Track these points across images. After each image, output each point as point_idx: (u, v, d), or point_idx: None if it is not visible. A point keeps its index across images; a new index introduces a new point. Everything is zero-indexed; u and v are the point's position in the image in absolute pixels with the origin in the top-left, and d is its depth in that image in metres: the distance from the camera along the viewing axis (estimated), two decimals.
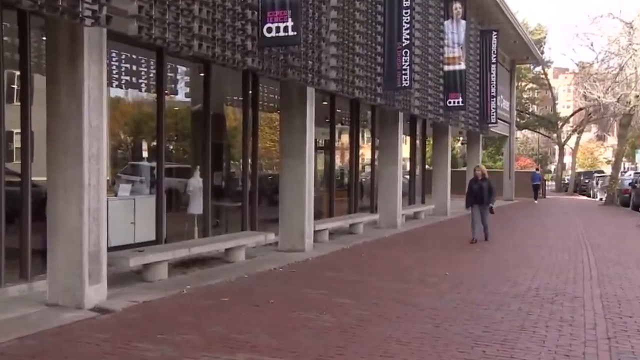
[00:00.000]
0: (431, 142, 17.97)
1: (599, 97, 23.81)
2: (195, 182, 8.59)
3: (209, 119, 8.37)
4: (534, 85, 44.77)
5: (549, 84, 41.53)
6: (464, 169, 24.50)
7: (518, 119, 35.28)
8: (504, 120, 23.71)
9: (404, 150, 14.48)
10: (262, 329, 4.62)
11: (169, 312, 5.18)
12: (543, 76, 41.56)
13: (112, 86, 7.20)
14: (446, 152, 16.55)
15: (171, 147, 8.75)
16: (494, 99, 18.64)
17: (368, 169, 14.28)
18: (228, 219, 9.68)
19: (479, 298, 5.96)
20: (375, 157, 13.65)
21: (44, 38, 5.53)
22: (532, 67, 40.25)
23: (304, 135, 8.95)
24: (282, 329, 4.64)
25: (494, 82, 18.48)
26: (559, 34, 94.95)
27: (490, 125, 19.45)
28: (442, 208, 16.48)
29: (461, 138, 30.93)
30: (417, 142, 16.57)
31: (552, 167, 56.31)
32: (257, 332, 4.53)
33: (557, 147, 42.09)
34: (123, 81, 7.47)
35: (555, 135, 38.74)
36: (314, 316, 5.05)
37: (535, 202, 25.06)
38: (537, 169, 29.58)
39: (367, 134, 14.27)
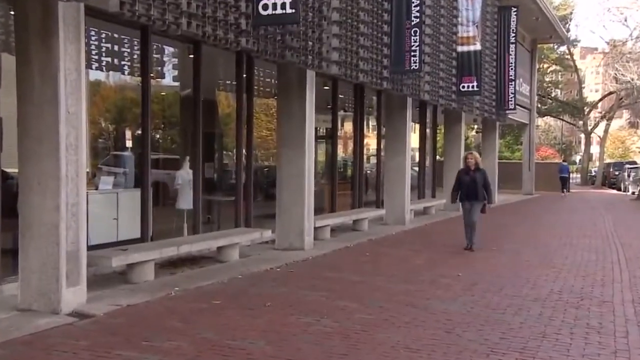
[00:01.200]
0: (442, 130, 17.93)
1: (632, 80, 23.59)
2: (185, 174, 8.58)
3: (199, 106, 8.35)
4: (558, 67, 43.41)
5: (575, 66, 40.43)
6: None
7: (539, 105, 35.00)
8: (523, 107, 23.60)
9: (413, 139, 14.39)
10: (258, 335, 4.63)
11: (156, 316, 5.18)
12: (568, 57, 40.43)
13: (91, 68, 7.16)
14: (459, 141, 16.51)
15: (158, 136, 8.72)
16: (513, 82, 18.56)
17: (373, 160, 14.28)
18: (220, 215, 9.68)
19: (495, 301, 5.95)
20: (382, 147, 13.64)
21: (12, 12, 5.45)
22: (556, 46, 39.19)
23: (304, 123, 8.95)
24: (279, 335, 4.64)
25: (513, 64, 18.40)
26: (587, 8, 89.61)
27: (508, 112, 19.39)
28: (455, 203, 16.41)
29: (476, 126, 30.99)
30: (427, 130, 16.56)
31: (577, 158, 55.92)
32: (251, 338, 4.54)
33: (583, 135, 41.80)
34: (104, 63, 7.41)
35: (581, 122, 38.36)
36: (314, 320, 5.06)
37: (563, 194, 25.49)
38: (564, 160, 29.96)
39: (372, 122, 14.24)
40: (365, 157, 13.49)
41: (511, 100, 18.63)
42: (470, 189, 9.02)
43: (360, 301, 5.78)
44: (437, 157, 18.35)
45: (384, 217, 12.75)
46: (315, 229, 9.67)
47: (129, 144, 7.91)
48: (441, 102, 13.96)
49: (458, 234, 10.17)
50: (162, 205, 8.71)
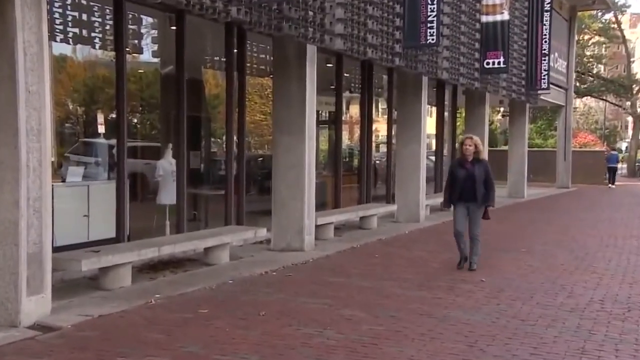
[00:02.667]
0: (463, 114, 17.88)
1: None
2: (167, 164, 8.61)
3: (183, 85, 8.35)
4: (602, 39, 40.75)
5: (623, 36, 38.50)
6: (505, 148, 24.45)
7: (578, 84, 34.45)
8: (558, 86, 23.38)
9: (429, 124, 14.38)
10: (250, 348, 4.64)
11: (133, 328, 5.19)
12: (615, 26, 38.22)
13: (55, 41, 7.10)
14: (482, 126, 16.46)
15: (135, 121, 8.78)
16: (546, 58, 18.40)
17: (384, 148, 14.29)
18: (208, 211, 9.74)
19: (525, 311, 5.92)
20: (393, 133, 13.66)
21: None
22: (599, 14, 37.24)
23: (303, 106, 8.97)
24: (275, 349, 4.65)
25: (547, 36, 18.24)
26: None
27: (540, 92, 19.28)
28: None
29: (502, 109, 30.80)
30: (446, 114, 16.55)
31: (623, 145, 55.13)
32: (243, 353, 4.54)
33: (630, 118, 41.08)
34: (70, 34, 7.33)
35: (628, 103, 37.63)
36: (316, 332, 5.08)
37: (611, 186, 25.74)
38: (612, 149, 30.07)
39: (382, 105, 14.25)
40: (374, 145, 13.52)
41: (544, 79, 18.49)
42: (467, 186, 7.56)
43: (368, 310, 5.78)
44: (457, 144, 18.29)
45: (396, 213, 12.79)
46: (317, 227, 9.69)
47: (101, 129, 7.89)
48: (462, 81, 13.92)
49: (483, 232, 10.06)
50: (141, 200, 8.75)
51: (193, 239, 7.82)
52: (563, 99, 25.01)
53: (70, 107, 7.97)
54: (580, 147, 33.76)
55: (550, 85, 19.59)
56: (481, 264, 8.21)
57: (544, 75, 18.45)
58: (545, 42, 18.23)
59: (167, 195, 8.59)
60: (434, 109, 16.06)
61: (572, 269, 8.10)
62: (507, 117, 23.38)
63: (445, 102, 16.34)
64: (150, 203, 8.56)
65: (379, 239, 10.48)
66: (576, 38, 28.24)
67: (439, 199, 14.93)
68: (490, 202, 7.74)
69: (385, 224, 12.16)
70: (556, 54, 22.34)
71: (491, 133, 27.97)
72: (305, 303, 6.04)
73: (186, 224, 8.48)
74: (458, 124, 18.48)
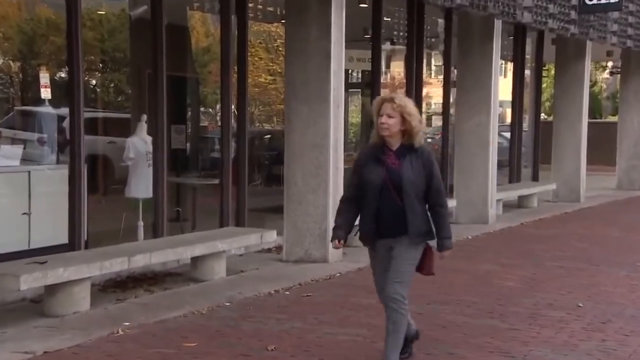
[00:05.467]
0: (552, 72, 17.60)
1: None
2: (140, 143, 8.69)
3: (162, 34, 8.35)
4: None
5: None
6: (614, 119, 23.95)
7: None
8: None
9: (503, 87, 14.20)
10: None
11: None
12: None
13: None
14: (580, 90, 16.28)
15: (94, 82, 8.81)
16: None
17: (438, 121, 14.55)
18: (197, 207, 9.86)
19: None
20: (451, 100, 13.58)
21: None
22: None
23: (327, 64, 8.93)
24: None
25: None
26: None
27: None
28: (572, 189, 16.39)
29: (610, 64, 30.20)
30: (527, 73, 16.35)
31: None
32: None
33: None
34: None
35: None
36: None
37: None
38: None
39: (437, 61, 14.18)
40: (424, 116, 13.35)
41: None
42: (388, 204, 5.20)
43: (417, 345, 5.71)
44: (543, 115, 18.09)
45: (454, 211, 12.75)
46: None
47: (45, 93, 7.88)
48: (551, 25, 13.75)
49: (577, 239, 9.93)
50: (104, 193, 8.79)
51: (176, 246, 7.79)
52: None
53: (1, 61, 7.95)
54: None
55: None
56: (578, 283, 8.08)
57: None
58: None
59: (141, 186, 8.68)
60: (510, 66, 15.90)
61: None
62: (619, 75, 22.85)
63: (526, 56, 16.16)
64: (116, 196, 8.61)
65: (431, 245, 10.35)
66: None
67: (516, 192, 14.92)
68: (442, 237, 5.32)
69: None
70: None
71: (593, 98, 27.36)
72: (329, 334, 6.01)
73: (166, 225, 8.51)
74: (544, 86, 18.27)
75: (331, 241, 5.47)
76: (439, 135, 14.02)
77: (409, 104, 5.22)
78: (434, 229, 5.27)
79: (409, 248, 5.25)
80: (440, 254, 5.36)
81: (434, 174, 5.23)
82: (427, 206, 5.28)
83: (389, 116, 5.14)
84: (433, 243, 5.30)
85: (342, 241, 5.37)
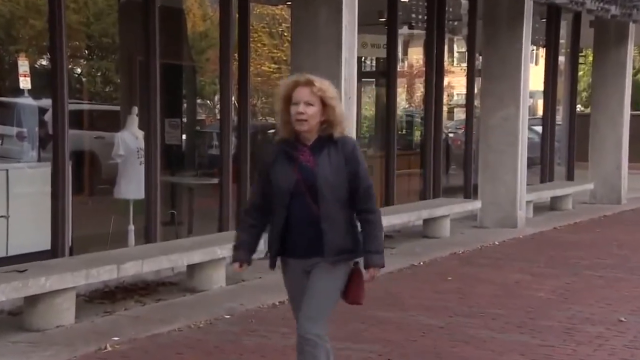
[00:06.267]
0: (590, 59, 17.51)
1: None
2: (130, 138, 8.64)
3: (155, 17, 8.34)
4: None
5: None
6: None
7: None
8: None
9: (534, 76, 14.15)
10: None
11: None
12: None
13: None
14: (621, 78, 16.21)
15: (80, 71, 8.79)
16: None
17: (460, 114, 14.55)
18: (194, 210, 9.81)
19: None
20: (476, 91, 13.56)
21: None
22: None
23: (338, 50, 8.96)
24: None
25: None
26: None
27: None
28: (611, 189, 16.29)
29: None
30: (561, 60, 16.34)
31: None
32: None
33: None
34: None
35: None
36: None
37: None
38: None
39: (460, 47, 14.22)
40: (445, 109, 13.38)
41: None
42: (300, 212, 4.53)
43: None
44: (579, 107, 18.01)
45: (479, 214, 12.76)
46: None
47: (25, 83, 7.86)
48: (589, 5, 13.70)
49: (617, 244, 9.83)
50: (90, 193, 8.75)
51: (170, 252, 7.76)
52: None
53: None
54: None
55: None
56: (619, 295, 8.05)
57: None
58: None
59: (131, 186, 8.64)
60: (542, 53, 15.86)
61: None
62: None
63: (561, 41, 16.13)
64: (104, 197, 8.58)
65: (453, 252, 10.44)
66: None
67: (548, 193, 14.89)
68: (369, 250, 4.53)
69: (463, 230, 12.14)
70: None
71: (636, 88, 26.95)
72: (340, 350, 5.93)
73: (160, 229, 8.49)
74: (581, 74, 18.15)
75: (234, 262, 4.73)
76: (462, 130, 14.01)
77: (330, 87, 4.50)
78: (357, 243, 4.53)
79: (329, 271, 4.46)
80: (368, 273, 4.50)
81: (360, 172, 4.50)
82: (354, 214, 4.56)
83: (308, 104, 4.39)
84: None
85: (244, 264, 4.65)
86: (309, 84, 4.38)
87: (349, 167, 4.43)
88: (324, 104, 4.37)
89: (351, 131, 9.05)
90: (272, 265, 4.60)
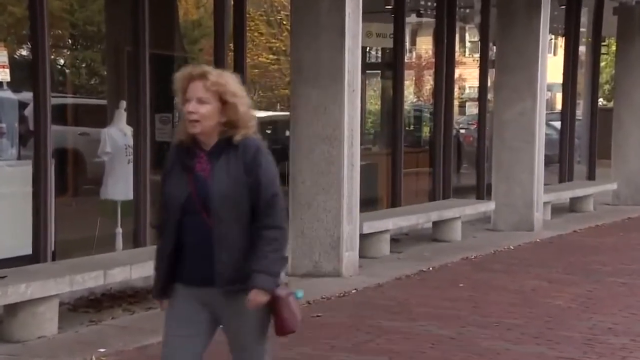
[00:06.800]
0: (613, 49, 17.47)
1: None
2: (118, 135, 8.67)
3: (144, 4, 8.35)
4: None
5: None
6: None
7: None
8: None
9: (552, 67, 14.13)
10: None
11: None
12: None
13: None
14: None
15: (63, 61, 8.76)
16: None
17: (473, 108, 14.36)
18: None
19: None
20: (489, 83, 13.56)
21: None
22: None
23: (341, 40, 8.94)
24: None
25: None
26: None
27: None
28: (636, 189, 16.30)
29: None
30: (581, 50, 16.36)
31: None
32: None
33: None
34: None
35: None
36: None
37: None
38: None
39: (472, 36, 14.23)
40: (456, 103, 13.34)
41: None
42: (194, 230, 3.99)
43: None
44: (601, 101, 17.94)
45: (493, 216, 12.78)
46: (362, 237, 9.69)
47: (4, 75, 7.83)
48: None
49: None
50: (75, 194, 8.79)
51: None
52: None
53: None
54: None
55: None
56: None
57: None
58: None
59: (119, 186, 8.65)
60: (561, 42, 15.92)
61: None
62: None
63: (582, 30, 16.10)
64: (90, 198, 8.56)
65: (464, 257, 10.45)
66: None
67: (567, 193, 14.88)
68: (257, 270, 3.80)
69: (475, 234, 12.16)
70: None
71: None
72: None
73: (150, 232, 8.45)
74: (603, 65, 18.08)
75: (155, 293, 4.13)
76: (474, 126, 13.98)
77: (231, 81, 3.91)
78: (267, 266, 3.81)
79: (240, 315, 3.91)
80: (248, 297, 3.76)
81: (261, 178, 3.84)
82: (241, 229, 3.89)
83: (201, 101, 3.84)
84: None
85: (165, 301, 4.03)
86: (203, 77, 3.83)
87: (250, 176, 3.80)
88: (224, 102, 3.83)
89: (355, 127, 9.08)
90: (158, 295, 4.04)
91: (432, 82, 12.91)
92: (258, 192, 3.80)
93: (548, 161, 13.52)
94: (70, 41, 8.97)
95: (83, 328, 6.86)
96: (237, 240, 3.80)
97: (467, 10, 13.66)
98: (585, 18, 16.19)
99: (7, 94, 7.88)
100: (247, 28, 9.64)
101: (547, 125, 13.40)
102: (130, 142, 8.53)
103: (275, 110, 11.07)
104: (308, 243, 9.08)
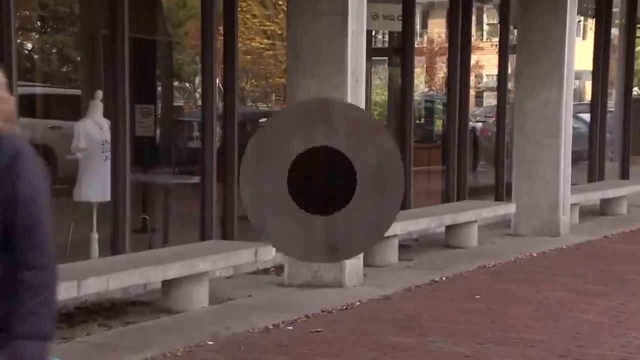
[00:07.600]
0: None
1: None
2: (94, 129, 8.75)
3: None
4: None
5: None
6: None
7: None
8: None
9: (580, 53, 14.34)
10: None
11: None
12: None
13: None
14: None
15: (31, 47, 8.75)
16: None
17: (491, 99, 14.41)
18: (170, 215, 9.90)
19: None
20: (509, 71, 13.69)
21: None
22: None
23: (344, 23, 9.01)
24: None
25: None
26: None
27: None
28: None
29: None
30: (613, 33, 16.46)
31: None
32: None
33: None
34: None
35: None
36: None
37: None
38: None
39: (490, 18, 14.30)
40: (473, 93, 13.33)
41: None
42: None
43: None
44: (636, 90, 17.98)
45: (513, 220, 12.84)
46: None
47: None
48: None
49: None
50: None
51: (142, 266, 7.77)
52: None
53: None
54: None
55: None
56: None
57: None
58: None
59: (95, 186, 8.70)
60: (591, 25, 15.98)
61: None
62: None
63: (614, 10, 16.20)
64: (62, 200, 8.54)
65: (481, 265, 10.49)
66: None
67: (597, 194, 14.87)
68: (18, 335, 2.97)
69: (494, 239, 12.22)
70: None
71: None
72: None
73: (130, 237, 8.53)
74: (638, 49, 18.10)
75: None
76: (493, 119, 14.00)
77: None
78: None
79: None
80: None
81: (18, 195, 3.02)
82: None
83: None
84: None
85: None
86: None
87: (2, 188, 3.03)
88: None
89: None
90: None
91: (445, 70, 13.03)
92: (13, 211, 3.02)
93: (576, 158, 13.58)
94: (39, 23, 8.96)
95: (54, 346, 6.86)
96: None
97: None
98: None
99: None
100: (239, 9, 9.69)
101: (575, 117, 13.47)
102: (108, 136, 8.57)
103: (269, 101, 11.05)
104: None
